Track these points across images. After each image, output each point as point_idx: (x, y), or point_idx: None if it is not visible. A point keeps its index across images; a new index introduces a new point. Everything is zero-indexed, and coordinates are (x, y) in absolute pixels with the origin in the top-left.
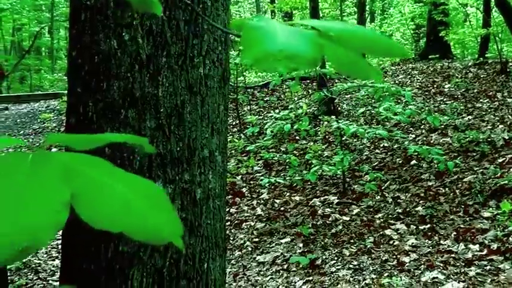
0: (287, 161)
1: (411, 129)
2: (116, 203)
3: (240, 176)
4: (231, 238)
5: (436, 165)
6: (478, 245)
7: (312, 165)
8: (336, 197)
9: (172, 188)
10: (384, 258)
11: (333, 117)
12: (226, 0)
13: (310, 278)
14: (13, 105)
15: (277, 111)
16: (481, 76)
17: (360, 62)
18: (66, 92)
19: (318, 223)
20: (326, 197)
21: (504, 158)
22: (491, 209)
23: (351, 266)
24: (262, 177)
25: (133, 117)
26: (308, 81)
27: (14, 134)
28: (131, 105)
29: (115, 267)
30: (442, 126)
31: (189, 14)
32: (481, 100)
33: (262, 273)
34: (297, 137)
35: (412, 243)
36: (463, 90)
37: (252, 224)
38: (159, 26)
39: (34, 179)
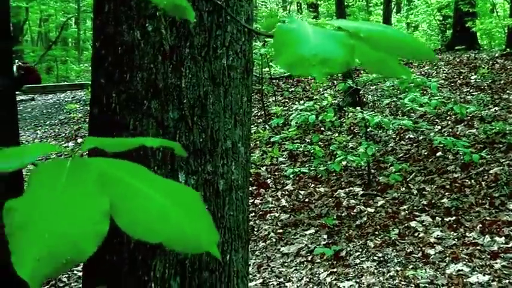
0: (312, 151)
1: (437, 120)
2: (154, 212)
3: (264, 167)
4: (256, 229)
5: (462, 157)
6: (503, 238)
7: (337, 156)
8: (361, 189)
9: (195, 179)
10: (408, 250)
11: (358, 108)
12: None
13: (335, 269)
14: (39, 96)
15: (302, 102)
16: (508, 67)
17: (389, 62)
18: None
19: (343, 214)
20: (351, 188)
21: None
22: None
23: (375, 258)
24: (286, 168)
25: (156, 108)
26: None
27: (40, 124)
28: (154, 96)
29: (137, 258)
30: (468, 117)
31: (213, 5)
32: (507, 91)
33: (286, 264)
34: (322, 128)
35: (437, 235)
36: (490, 81)
37: (277, 215)
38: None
39: (73, 189)
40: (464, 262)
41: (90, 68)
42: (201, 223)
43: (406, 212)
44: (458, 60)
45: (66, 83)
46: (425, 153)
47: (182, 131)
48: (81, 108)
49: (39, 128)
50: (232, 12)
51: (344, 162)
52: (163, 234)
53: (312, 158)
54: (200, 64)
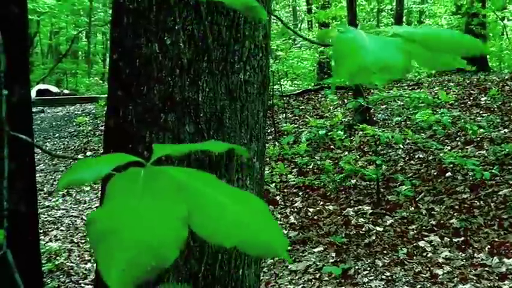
0: (321, 166)
1: (446, 141)
2: (228, 218)
3: (273, 184)
4: None
5: (471, 178)
6: None
7: (346, 170)
8: (370, 207)
9: None
10: (417, 270)
11: (368, 126)
12: (267, 7)
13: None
14: (49, 108)
15: (312, 119)
16: None
17: (444, 58)
18: (102, 96)
19: (351, 233)
20: (360, 206)
21: None
22: None
23: (383, 277)
24: (295, 180)
25: (173, 121)
26: (344, 90)
27: (50, 137)
28: (171, 109)
29: None
30: (478, 138)
31: (231, 20)
32: None
33: (294, 281)
34: (332, 147)
35: (446, 255)
36: (500, 103)
37: (285, 232)
38: (200, 31)
39: (150, 197)
40: (473, 283)
41: (101, 81)
42: (271, 228)
43: (415, 231)
44: (468, 81)
45: (76, 96)
46: (435, 174)
47: None
48: (91, 121)
49: (49, 140)
50: (250, 27)
51: (353, 181)
52: (238, 239)
53: (321, 175)
54: (217, 78)
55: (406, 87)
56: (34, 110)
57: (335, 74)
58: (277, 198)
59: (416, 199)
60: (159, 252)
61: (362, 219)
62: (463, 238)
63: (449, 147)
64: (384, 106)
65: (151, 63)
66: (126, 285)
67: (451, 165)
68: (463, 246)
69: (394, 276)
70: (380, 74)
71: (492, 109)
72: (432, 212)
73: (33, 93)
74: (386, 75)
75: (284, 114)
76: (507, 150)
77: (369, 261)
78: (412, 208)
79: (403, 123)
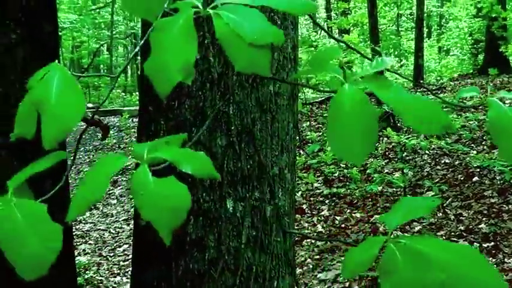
0: (348, 175)
1: (472, 145)
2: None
3: (300, 193)
4: None
5: (499, 182)
6: None
7: (374, 179)
8: None
9: (243, 205)
10: None
11: (393, 133)
12: (295, 18)
13: None
14: None
15: None
16: None
17: None
18: (125, 108)
19: None
20: None
21: None
22: None
23: None
24: (322, 190)
25: (205, 135)
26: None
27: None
28: (202, 123)
29: (186, 284)
30: None
31: None
32: None
33: None
34: None
35: None
36: None
37: (313, 241)
38: None
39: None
40: None
41: (123, 93)
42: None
43: (444, 237)
44: (491, 84)
45: (99, 109)
46: (462, 178)
47: (230, 158)
48: (116, 134)
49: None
50: None
51: (380, 188)
52: None
53: (347, 183)
54: (247, 91)
55: (429, 93)
56: None
57: (500, 157)
58: (304, 206)
59: (444, 205)
60: None
61: None
62: (492, 243)
63: (475, 152)
64: None
65: None
66: None
67: (478, 170)
68: (493, 251)
69: None
70: None
71: None
72: (460, 218)
73: None
74: None
75: (308, 122)
76: None
77: None
78: (440, 214)
79: None
